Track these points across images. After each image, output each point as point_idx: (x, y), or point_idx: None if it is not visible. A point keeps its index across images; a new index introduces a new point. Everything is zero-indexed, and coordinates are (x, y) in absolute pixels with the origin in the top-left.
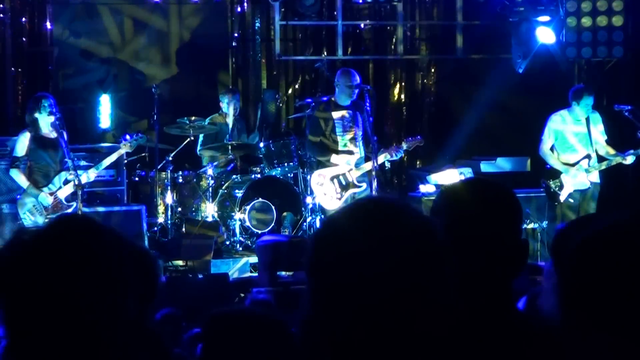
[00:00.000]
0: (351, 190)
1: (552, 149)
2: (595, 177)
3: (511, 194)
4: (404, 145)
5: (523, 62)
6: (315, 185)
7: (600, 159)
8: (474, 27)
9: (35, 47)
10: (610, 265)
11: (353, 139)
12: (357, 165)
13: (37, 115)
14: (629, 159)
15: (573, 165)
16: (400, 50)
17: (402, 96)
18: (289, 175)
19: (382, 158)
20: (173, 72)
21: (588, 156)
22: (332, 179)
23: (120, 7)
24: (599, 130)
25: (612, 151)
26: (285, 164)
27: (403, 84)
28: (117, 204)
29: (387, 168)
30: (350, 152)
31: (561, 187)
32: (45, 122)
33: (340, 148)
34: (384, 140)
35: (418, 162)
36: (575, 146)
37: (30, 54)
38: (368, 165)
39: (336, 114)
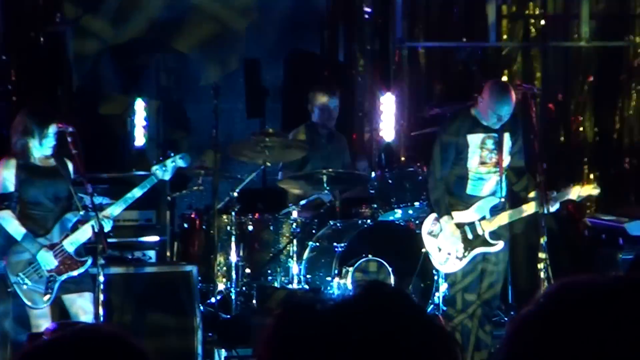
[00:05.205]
0: (479, 249)
1: None
2: None
3: None
4: (566, 195)
5: None
6: (427, 235)
7: None
8: None
9: (39, 27)
10: None
11: (494, 173)
12: (492, 211)
13: (31, 141)
14: None
15: None
16: (584, 34)
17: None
18: (414, 220)
19: (525, 210)
20: (241, 65)
21: None
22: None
23: None
24: None
25: None
26: (409, 204)
27: (589, 79)
28: (155, 262)
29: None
30: (486, 193)
31: None
32: (42, 151)
33: (470, 191)
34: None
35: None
36: None
37: (32, 38)
38: (505, 216)
39: (474, 137)
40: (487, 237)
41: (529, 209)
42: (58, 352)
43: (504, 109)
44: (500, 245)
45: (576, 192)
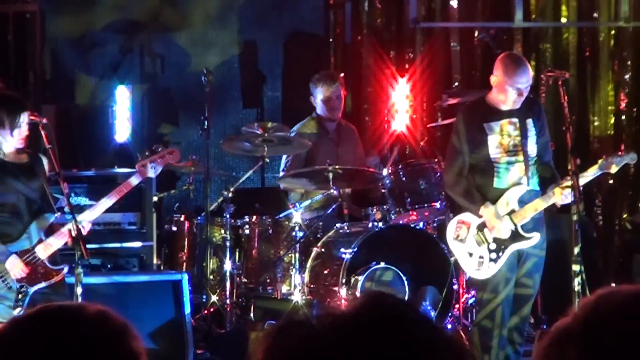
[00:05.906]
0: (514, 245)
1: None
2: None
3: None
4: (600, 169)
5: None
6: (454, 241)
7: None
8: None
9: (8, 6)
10: None
11: (521, 162)
12: (521, 202)
13: (1, 133)
14: None
15: None
16: (623, 13)
17: (615, 83)
18: (431, 223)
19: (556, 193)
20: (236, 49)
21: None
22: (479, 228)
23: None
24: None
25: None
26: (426, 205)
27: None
28: (141, 271)
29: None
30: (513, 184)
31: None
32: (12, 142)
33: (496, 183)
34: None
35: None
36: None
37: None
38: (534, 205)
39: (492, 124)
40: (520, 230)
41: (559, 192)
42: (39, 327)
43: (522, 80)
44: (536, 237)
45: (611, 163)
